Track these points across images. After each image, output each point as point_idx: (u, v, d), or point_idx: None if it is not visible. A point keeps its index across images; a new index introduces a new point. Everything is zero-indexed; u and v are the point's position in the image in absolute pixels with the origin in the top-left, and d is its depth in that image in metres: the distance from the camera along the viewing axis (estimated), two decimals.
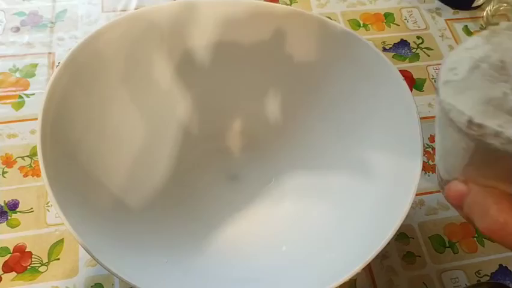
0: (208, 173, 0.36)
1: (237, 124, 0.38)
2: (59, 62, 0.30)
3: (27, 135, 0.38)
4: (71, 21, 0.44)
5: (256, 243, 0.33)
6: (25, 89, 0.40)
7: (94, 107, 0.31)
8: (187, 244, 0.32)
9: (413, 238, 0.36)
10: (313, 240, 0.30)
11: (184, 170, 0.36)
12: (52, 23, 0.44)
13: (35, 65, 0.41)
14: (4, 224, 0.34)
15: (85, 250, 0.23)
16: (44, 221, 0.34)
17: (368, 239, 0.26)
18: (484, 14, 0.51)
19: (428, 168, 0.40)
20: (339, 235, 0.29)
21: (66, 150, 0.27)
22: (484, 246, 0.36)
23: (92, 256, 0.23)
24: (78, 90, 0.29)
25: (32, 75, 0.41)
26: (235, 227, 0.34)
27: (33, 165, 0.36)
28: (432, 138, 0.42)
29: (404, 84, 0.29)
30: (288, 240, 0.32)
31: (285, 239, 0.32)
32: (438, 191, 0.38)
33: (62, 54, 0.42)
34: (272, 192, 0.36)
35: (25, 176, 0.36)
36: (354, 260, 0.25)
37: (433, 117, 0.42)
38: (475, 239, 0.37)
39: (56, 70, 0.27)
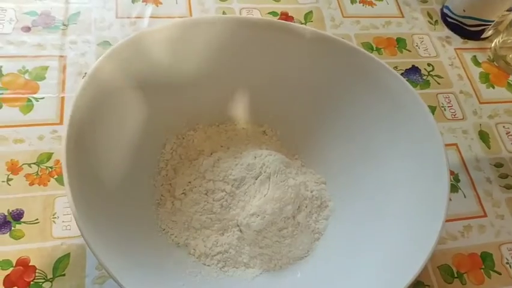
0: None
1: None
2: (85, 73, 0.28)
3: (35, 141, 0.36)
4: (85, 24, 0.43)
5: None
6: (34, 92, 0.38)
7: (115, 120, 0.30)
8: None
9: None
10: (333, 272, 0.30)
11: None
12: (65, 25, 0.42)
13: (46, 68, 0.40)
14: (7, 235, 0.32)
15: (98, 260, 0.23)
16: (50, 233, 0.32)
17: (392, 276, 0.26)
18: (492, 45, 0.52)
19: None
20: (363, 267, 0.28)
21: (90, 164, 0.26)
22: (490, 278, 0.37)
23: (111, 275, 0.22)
24: (102, 102, 0.28)
25: (42, 78, 0.39)
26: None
27: (40, 174, 0.35)
28: None
29: (432, 120, 0.30)
30: (304, 268, 0.31)
31: (302, 266, 0.32)
32: (448, 220, 0.39)
33: (73, 58, 0.41)
34: None
35: (31, 184, 0.34)
36: None
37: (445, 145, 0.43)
38: (482, 270, 0.37)
39: (83, 80, 0.26)
